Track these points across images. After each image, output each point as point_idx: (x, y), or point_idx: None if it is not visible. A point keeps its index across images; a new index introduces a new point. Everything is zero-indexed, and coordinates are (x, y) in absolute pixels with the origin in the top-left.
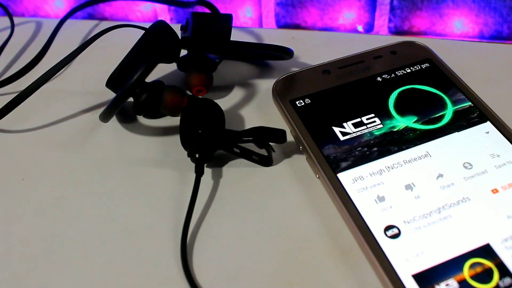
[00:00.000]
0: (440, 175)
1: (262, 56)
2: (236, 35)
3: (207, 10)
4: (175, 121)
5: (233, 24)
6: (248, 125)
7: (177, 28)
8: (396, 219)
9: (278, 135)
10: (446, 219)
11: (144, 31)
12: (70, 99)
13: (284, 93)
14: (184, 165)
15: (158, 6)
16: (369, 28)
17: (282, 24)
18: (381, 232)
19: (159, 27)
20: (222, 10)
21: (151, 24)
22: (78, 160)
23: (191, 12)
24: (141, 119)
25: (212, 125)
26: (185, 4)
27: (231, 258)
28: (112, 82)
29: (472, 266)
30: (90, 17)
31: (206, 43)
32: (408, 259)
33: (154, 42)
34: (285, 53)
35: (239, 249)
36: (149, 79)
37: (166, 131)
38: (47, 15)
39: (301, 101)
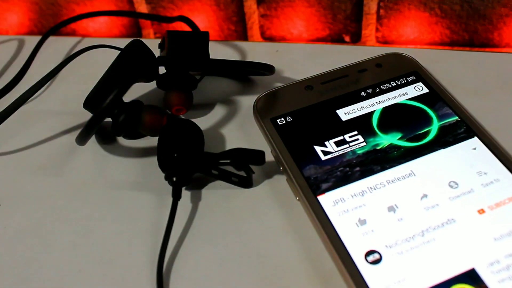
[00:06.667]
0: (425, 196)
1: (243, 72)
2: (219, 49)
3: (187, 26)
4: (155, 141)
5: (217, 38)
6: (229, 145)
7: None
8: (377, 244)
9: (256, 157)
10: (430, 242)
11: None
12: (50, 120)
13: (265, 111)
14: (162, 188)
15: (141, 21)
16: (356, 38)
17: (267, 36)
18: (361, 257)
19: (135, 46)
20: (206, 23)
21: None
22: (57, 184)
23: (166, 31)
24: (121, 139)
25: (189, 147)
26: (165, 20)
27: (209, 285)
28: (89, 103)
29: None
30: (74, 32)
31: (182, 62)
32: (389, 286)
33: (129, 62)
34: (265, 70)
35: (217, 275)
36: (129, 98)
37: (146, 152)
38: (31, 31)
39: (282, 119)
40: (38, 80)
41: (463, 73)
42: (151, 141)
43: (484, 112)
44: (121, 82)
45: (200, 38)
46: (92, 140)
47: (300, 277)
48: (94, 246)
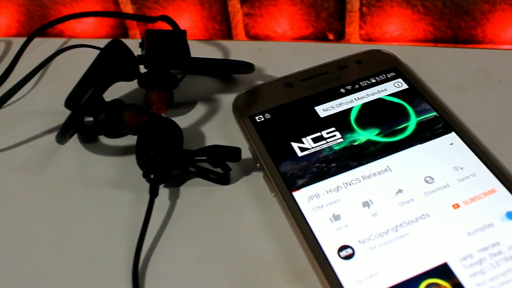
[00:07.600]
0: (400, 191)
1: (224, 70)
2: (203, 48)
3: (169, 26)
4: (135, 140)
5: (202, 37)
6: (208, 143)
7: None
8: (350, 239)
9: (232, 153)
10: (403, 237)
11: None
12: (34, 120)
13: (244, 109)
14: (141, 185)
15: (127, 22)
16: (340, 36)
17: (252, 35)
18: (334, 253)
19: (114, 46)
20: (190, 22)
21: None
22: (38, 182)
23: (145, 30)
24: (103, 138)
25: (167, 145)
26: (148, 20)
27: (184, 281)
28: (69, 103)
29: (428, 287)
30: (61, 33)
31: (160, 61)
32: (361, 281)
33: (108, 61)
34: (245, 68)
35: (192, 272)
36: (112, 97)
37: (126, 151)
38: (19, 33)
39: (261, 116)
40: (18, 80)
41: (445, 69)
42: (132, 140)
43: (464, 108)
44: (99, 81)
45: (178, 37)
46: (74, 139)
47: (275, 273)
48: (73, 243)
